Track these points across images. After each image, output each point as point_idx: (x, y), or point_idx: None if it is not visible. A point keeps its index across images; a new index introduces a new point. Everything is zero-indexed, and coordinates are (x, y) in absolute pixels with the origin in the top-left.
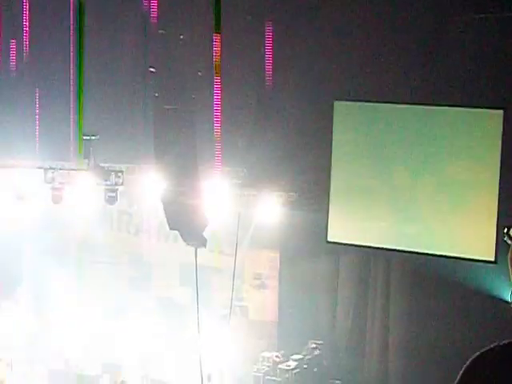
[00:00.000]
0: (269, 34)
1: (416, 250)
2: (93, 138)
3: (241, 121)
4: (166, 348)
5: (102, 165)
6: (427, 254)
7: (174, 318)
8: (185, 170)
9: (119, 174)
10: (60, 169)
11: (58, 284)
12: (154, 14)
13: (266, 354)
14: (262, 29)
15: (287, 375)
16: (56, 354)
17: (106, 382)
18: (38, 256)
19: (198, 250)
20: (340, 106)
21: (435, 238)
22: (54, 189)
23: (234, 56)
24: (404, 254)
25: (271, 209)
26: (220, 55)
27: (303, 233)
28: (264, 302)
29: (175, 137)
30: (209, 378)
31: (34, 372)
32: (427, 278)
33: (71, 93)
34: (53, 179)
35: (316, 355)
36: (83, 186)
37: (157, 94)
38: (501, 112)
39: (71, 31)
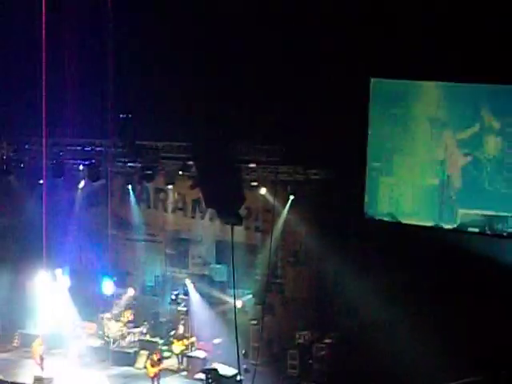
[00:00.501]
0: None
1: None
2: (129, 116)
3: (277, 98)
4: (202, 324)
5: (139, 142)
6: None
7: (211, 294)
8: (221, 147)
9: (155, 152)
10: (97, 146)
11: (97, 261)
12: None
13: (302, 332)
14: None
15: (322, 352)
16: (94, 330)
17: (143, 359)
18: (77, 233)
19: (235, 227)
20: (377, 83)
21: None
22: (91, 166)
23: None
24: (443, 231)
25: (308, 186)
26: None
27: (340, 209)
28: (300, 279)
29: (211, 114)
30: (245, 355)
31: (72, 349)
32: (467, 253)
33: (108, 71)
34: (90, 156)
35: (350, 332)
36: (120, 163)
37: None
38: None
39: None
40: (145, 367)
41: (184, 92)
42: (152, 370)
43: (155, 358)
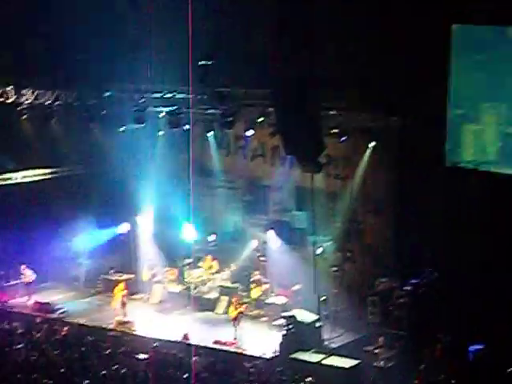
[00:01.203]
0: None
1: None
2: (210, 62)
3: (358, 46)
4: (282, 271)
5: (219, 89)
6: None
7: (291, 241)
8: (301, 94)
9: (236, 99)
10: (178, 93)
11: (177, 207)
12: None
13: (382, 279)
14: None
15: (403, 299)
16: (175, 276)
17: (223, 305)
18: (156, 179)
19: (314, 174)
20: (460, 30)
21: None
22: (172, 113)
23: None
24: None
25: (389, 132)
26: None
27: (421, 156)
28: (380, 226)
29: (292, 61)
30: (325, 301)
31: (154, 294)
32: None
33: (189, 19)
34: (171, 103)
35: (432, 279)
36: (200, 110)
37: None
38: None
39: None
40: (225, 312)
41: (264, 38)
42: (233, 313)
43: (235, 301)
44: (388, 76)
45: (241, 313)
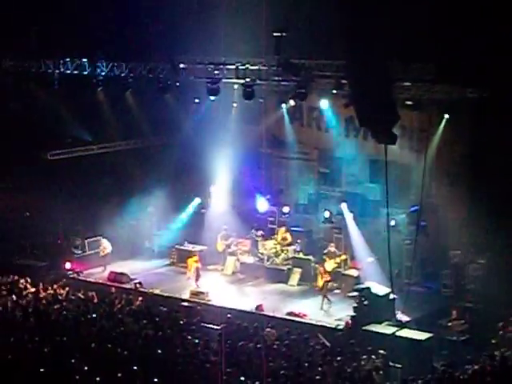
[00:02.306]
0: None
1: None
2: (283, 34)
3: (434, 16)
4: (355, 243)
5: (293, 61)
6: None
7: (364, 213)
8: (375, 65)
9: (309, 70)
10: (252, 65)
11: (251, 179)
12: None
13: (455, 252)
14: None
15: (477, 272)
16: (248, 247)
17: (296, 276)
18: (230, 151)
19: (388, 146)
20: None
21: None
22: (245, 85)
23: None
24: None
25: (463, 105)
26: None
27: (496, 129)
28: (454, 200)
29: (365, 32)
30: (398, 274)
31: (227, 265)
32: None
33: None
34: (244, 75)
35: (505, 252)
36: (274, 81)
37: None
38: None
39: None
40: (298, 284)
41: (337, 9)
42: (319, 283)
43: (322, 269)
44: (463, 47)
45: (327, 281)
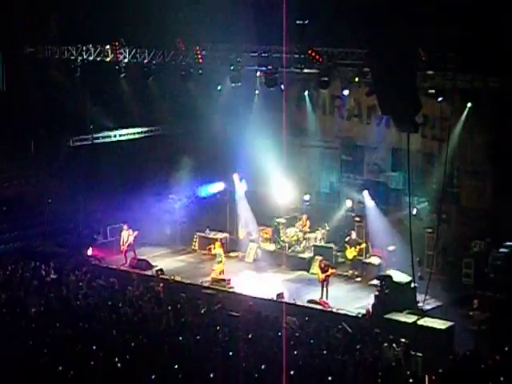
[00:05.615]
0: None
1: None
2: (306, 22)
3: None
4: (377, 231)
5: (315, 49)
6: None
7: (386, 201)
8: (398, 54)
9: (332, 58)
10: (274, 53)
11: (273, 166)
12: None
13: (478, 241)
14: None
15: (498, 261)
16: (270, 235)
17: (318, 264)
18: (252, 139)
19: (411, 135)
20: None
21: None
22: (267, 72)
23: None
24: None
25: (487, 94)
26: None
27: None
28: (476, 189)
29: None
30: (420, 263)
31: (249, 252)
32: None
33: None
34: (267, 63)
35: None
36: (296, 69)
37: None
38: None
39: None
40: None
41: None
42: (320, 275)
43: (322, 264)
44: (486, 36)
45: (329, 275)
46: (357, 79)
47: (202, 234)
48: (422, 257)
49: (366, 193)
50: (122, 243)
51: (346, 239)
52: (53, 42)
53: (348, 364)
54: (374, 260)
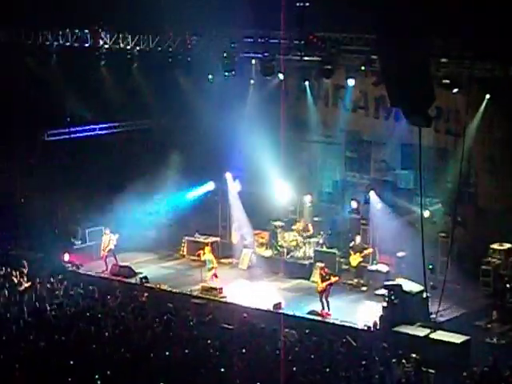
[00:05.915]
0: None
1: None
2: (307, 4)
3: None
4: (385, 235)
5: (317, 34)
6: None
7: (395, 203)
8: (409, 39)
9: (335, 45)
10: (271, 38)
11: (270, 164)
12: None
13: (496, 246)
14: None
15: None
16: (266, 239)
17: (319, 272)
18: (248, 133)
19: (423, 129)
20: None
21: None
22: (263, 60)
23: None
24: None
25: (507, 83)
26: None
27: None
28: (495, 188)
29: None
30: (433, 270)
31: (242, 259)
32: None
33: None
34: (264, 50)
35: None
36: (296, 57)
37: None
38: None
39: None
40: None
41: None
42: (320, 285)
43: (323, 272)
44: (506, 22)
45: (330, 284)
46: (363, 67)
47: (191, 238)
48: (436, 263)
49: (372, 193)
50: (102, 248)
51: (351, 244)
52: (26, 25)
53: (352, 381)
54: (382, 267)
